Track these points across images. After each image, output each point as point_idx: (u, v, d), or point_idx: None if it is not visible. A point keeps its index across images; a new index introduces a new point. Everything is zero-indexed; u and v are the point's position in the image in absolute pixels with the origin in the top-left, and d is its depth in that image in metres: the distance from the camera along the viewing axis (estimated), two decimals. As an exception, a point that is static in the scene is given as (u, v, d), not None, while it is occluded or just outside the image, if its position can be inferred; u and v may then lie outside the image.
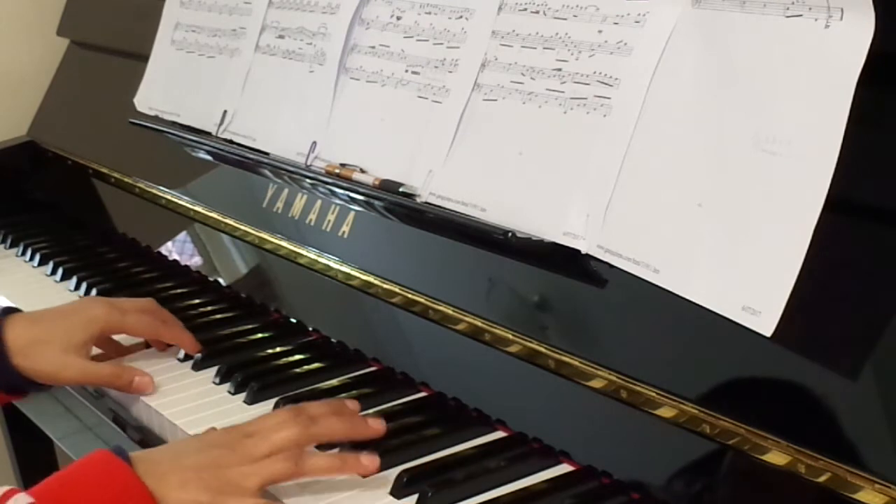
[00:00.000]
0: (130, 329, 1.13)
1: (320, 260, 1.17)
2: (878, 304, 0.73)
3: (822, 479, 0.71)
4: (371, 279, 1.10)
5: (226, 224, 1.33)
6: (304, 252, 1.20)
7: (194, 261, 1.39)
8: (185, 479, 0.83)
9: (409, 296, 1.05)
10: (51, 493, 0.81)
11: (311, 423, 0.88)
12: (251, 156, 1.26)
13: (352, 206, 1.15)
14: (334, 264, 1.15)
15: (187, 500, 0.82)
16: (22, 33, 1.87)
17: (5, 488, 0.80)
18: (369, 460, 0.88)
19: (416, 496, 0.86)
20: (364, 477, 0.88)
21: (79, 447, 1.19)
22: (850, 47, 0.72)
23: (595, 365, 0.87)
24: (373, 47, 1.16)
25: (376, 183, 1.09)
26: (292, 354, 1.12)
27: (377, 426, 0.92)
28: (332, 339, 1.14)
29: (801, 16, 0.76)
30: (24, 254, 1.53)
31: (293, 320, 1.20)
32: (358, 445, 0.90)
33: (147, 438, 1.06)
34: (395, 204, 1.07)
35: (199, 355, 1.11)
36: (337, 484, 0.88)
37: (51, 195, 1.73)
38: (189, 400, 1.05)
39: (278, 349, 1.14)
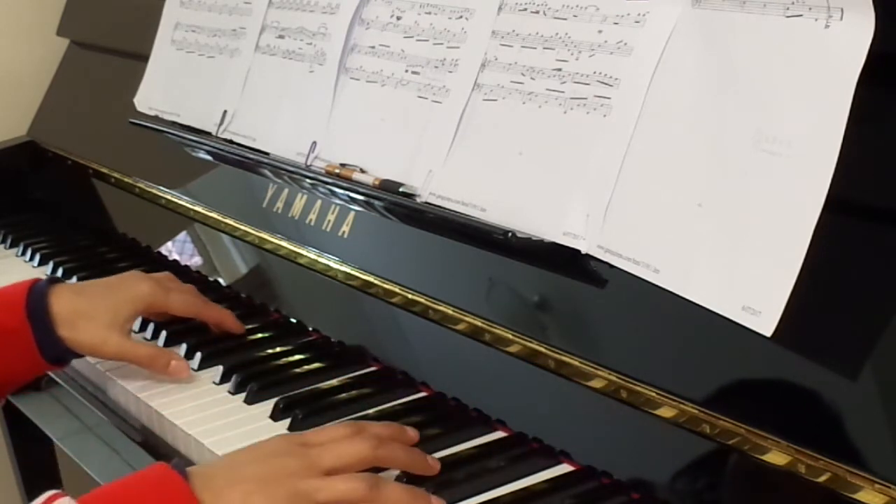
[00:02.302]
0: (174, 307, 1.14)
1: (320, 260, 1.17)
2: (878, 304, 0.73)
3: (822, 479, 0.71)
4: (371, 279, 1.10)
5: (226, 224, 1.33)
6: (304, 252, 1.20)
7: (194, 261, 1.39)
8: (248, 491, 0.77)
9: (409, 296, 1.05)
10: (94, 500, 0.77)
11: (377, 444, 0.84)
12: (251, 156, 1.26)
13: (352, 206, 1.15)
14: (334, 264, 1.15)
15: None
16: (22, 33, 1.86)
17: (50, 493, 0.77)
18: (438, 503, 0.84)
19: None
20: None
21: (79, 447, 1.19)
22: (850, 47, 0.72)
23: (595, 365, 0.87)
24: (373, 47, 1.16)
25: (376, 183, 1.09)
26: (292, 354, 1.12)
27: (434, 464, 0.87)
28: (332, 339, 1.14)
29: (801, 16, 0.76)
30: (24, 254, 1.53)
31: (293, 320, 1.20)
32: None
33: (148, 439, 1.06)
34: (395, 204, 1.07)
35: (199, 355, 1.11)
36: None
37: (51, 195, 1.73)
38: (189, 400, 1.05)
39: (278, 349, 1.14)
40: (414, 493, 0.83)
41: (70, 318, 1.07)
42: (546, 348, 0.91)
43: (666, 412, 0.81)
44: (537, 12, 0.98)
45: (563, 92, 0.94)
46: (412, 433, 0.90)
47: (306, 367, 1.09)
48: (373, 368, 1.08)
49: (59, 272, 1.42)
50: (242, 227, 1.30)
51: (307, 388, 1.04)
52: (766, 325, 0.74)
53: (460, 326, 0.99)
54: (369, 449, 0.84)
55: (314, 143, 1.20)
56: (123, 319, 1.09)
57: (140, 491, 0.78)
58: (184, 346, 1.14)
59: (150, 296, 1.11)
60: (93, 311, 1.07)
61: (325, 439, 0.84)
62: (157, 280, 1.14)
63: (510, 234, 0.92)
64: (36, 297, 1.07)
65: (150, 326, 1.18)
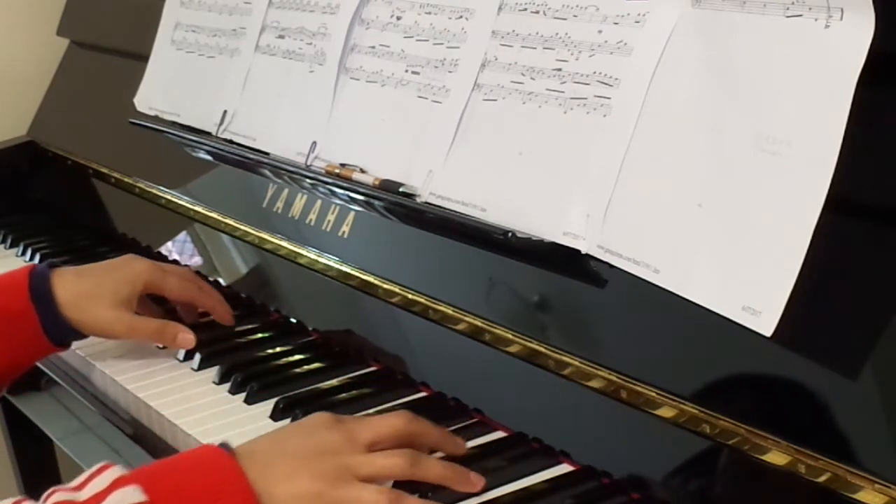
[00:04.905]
0: (169, 290, 1.16)
1: (320, 260, 1.17)
2: (878, 304, 0.73)
3: (822, 479, 0.71)
4: (371, 279, 1.10)
5: (226, 224, 1.33)
6: (304, 252, 1.20)
7: (194, 261, 1.39)
8: (293, 466, 0.79)
9: (409, 296, 1.05)
10: (150, 476, 0.78)
11: (412, 419, 0.86)
12: (251, 156, 1.27)
13: (352, 206, 1.15)
14: (334, 264, 1.15)
15: (297, 493, 0.78)
16: (22, 33, 1.87)
17: (103, 463, 0.79)
18: (478, 479, 0.85)
19: (416, 496, 0.86)
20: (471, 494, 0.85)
21: (79, 447, 1.19)
22: (850, 47, 0.72)
23: (595, 365, 0.87)
24: (373, 47, 1.16)
25: (376, 183, 1.09)
26: (292, 354, 1.12)
27: (478, 481, 0.86)
28: (332, 339, 1.14)
29: (801, 16, 0.76)
30: (24, 254, 1.53)
31: (293, 320, 1.20)
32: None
33: (147, 439, 1.06)
34: (395, 204, 1.07)
35: (199, 355, 1.11)
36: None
37: (51, 195, 1.73)
38: (189, 400, 1.05)
39: (278, 349, 1.14)
40: (454, 468, 0.85)
41: (75, 301, 1.09)
42: (546, 348, 0.91)
43: (666, 412, 0.81)
44: (537, 12, 0.98)
45: (563, 92, 0.94)
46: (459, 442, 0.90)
47: (306, 367, 1.09)
48: (373, 368, 1.08)
49: (59, 272, 1.42)
50: (242, 227, 1.30)
51: (307, 388, 1.04)
52: (766, 325, 0.74)
53: (460, 326, 0.99)
54: (405, 423, 0.85)
55: (314, 142, 1.20)
56: (126, 298, 1.11)
57: (189, 465, 0.80)
58: (183, 347, 1.14)
59: (147, 273, 1.13)
60: (97, 291, 1.10)
61: (364, 418, 0.87)
62: (154, 262, 1.17)
63: (510, 234, 0.92)
64: (38, 281, 1.09)
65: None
